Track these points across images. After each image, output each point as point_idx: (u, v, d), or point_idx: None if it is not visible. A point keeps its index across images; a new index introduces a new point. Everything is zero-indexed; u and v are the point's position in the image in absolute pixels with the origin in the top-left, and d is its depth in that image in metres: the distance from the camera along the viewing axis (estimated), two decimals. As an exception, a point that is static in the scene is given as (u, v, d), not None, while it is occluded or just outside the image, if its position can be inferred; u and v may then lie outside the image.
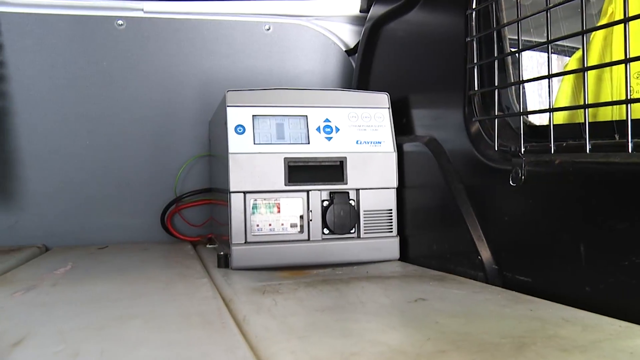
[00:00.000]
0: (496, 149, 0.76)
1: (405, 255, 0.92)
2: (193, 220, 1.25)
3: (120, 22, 1.20)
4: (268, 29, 1.26)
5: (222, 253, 0.87)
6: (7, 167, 1.18)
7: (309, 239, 0.88)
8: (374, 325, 0.54)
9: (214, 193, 1.15)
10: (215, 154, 1.10)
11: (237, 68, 1.25)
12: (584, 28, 0.63)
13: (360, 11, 1.22)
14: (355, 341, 0.48)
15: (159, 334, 0.54)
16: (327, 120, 0.91)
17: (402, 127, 0.97)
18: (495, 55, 0.79)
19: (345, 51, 1.29)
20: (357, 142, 0.91)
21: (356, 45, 1.25)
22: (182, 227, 1.25)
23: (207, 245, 1.15)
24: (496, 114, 0.77)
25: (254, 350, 0.48)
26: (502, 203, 0.74)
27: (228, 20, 1.24)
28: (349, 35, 1.28)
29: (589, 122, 0.62)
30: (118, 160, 1.22)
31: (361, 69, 1.14)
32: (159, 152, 1.24)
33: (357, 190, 0.90)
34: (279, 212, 0.88)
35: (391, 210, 0.92)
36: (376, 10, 1.11)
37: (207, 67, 1.24)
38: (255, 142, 0.87)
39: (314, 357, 0.44)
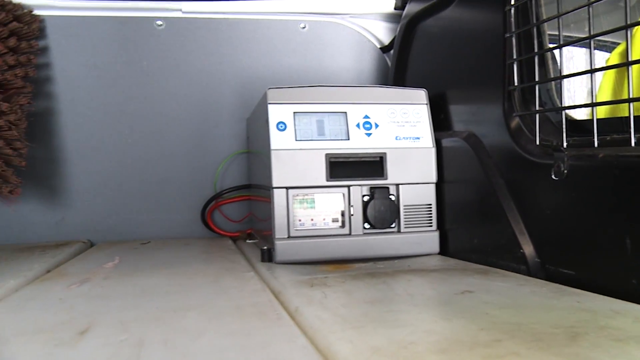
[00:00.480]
0: (537, 143, 0.77)
1: (444, 250, 0.93)
2: (232, 216, 1.28)
3: (159, 22, 1.23)
4: (304, 28, 1.28)
5: (265, 247, 0.89)
6: (54, 165, 1.22)
7: (350, 234, 0.90)
8: (425, 316, 0.56)
9: (253, 189, 1.17)
10: (254, 151, 1.13)
11: (274, 66, 1.27)
12: (628, 22, 0.64)
13: (395, 8, 1.23)
14: (410, 331, 0.50)
15: (216, 324, 0.56)
16: (366, 116, 0.93)
17: (440, 122, 0.98)
18: (535, 50, 0.80)
19: (380, 48, 1.30)
20: (396, 138, 0.93)
21: (391, 43, 1.26)
22: (222, 223, 1.28)
23: (247, 241, 1.17)
24: (537, 108, 0.78)
25: (312, 340, 0.50)
26: (543, 197, 0.75)
27: (264, 19, 1.26)
28: (384, 33, 1.29)
29: (633, 116, 0.63)
30: (159, 157, 1.26)
31: (397, 66, 1.15)
32: (198, 149, 1.27)
33: (397, 185, 0.92)
34: (320, 207, 0.89)
35: (431, 204, 0.93)
36: (412, 8, 1.12)
37: (244, 66, 1.27)
38: (297, 139, 0.89)
39: (373, 347, 0.46)
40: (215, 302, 0.65)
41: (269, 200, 0.91)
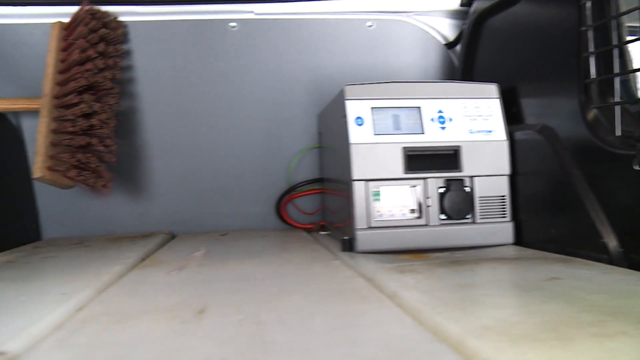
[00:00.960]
0: (618, 134, 0.79)
1: (519, 240, 0.95)
2: (305, 209, 1.33)
3: (232, 24, 1.28)
4: (370, 26, 1.31)
5: (346, 238, 0.93)
6: (136, 161, 1.29)
7: (427, 224, 0.93)
8: (520, 299, 0.59)
9: (326, 182, 1.21)
10: (328, 146, 1.17)
11: (342, 64, 1.31)
12: None
13: (461, 5, 1.25)
14: (512, 312, 0.53)
15: (323, 306, 0.60)
16: (440, 111, 0.96)
17: (512, 116, 1.00)
18: (613, 42, 0.81)
19: (445, 45, 1.32)
20: (469, 132, 0.95)
21: (456, 39, 1.28)
22: (295, 215, 1.33)
23: (320, 232, 1.22)
24: (616, 100, 0.80)
25: (419, 321, 0.53)
26: (625, 187, 0.76)
27: (332, 18, 1.30)
28: (448, 29, 1.31)
29: None
30: (234, 152, 1.32)
31: (465, 62, 1.17)
32: (271, 145, 1.32)
33: (472, 177, 0.94)
34: (398, 198, 0.93)
35: (505, 196, 0.95)
36: (480, 4, 1.14)
37: (314, 64, 1.31)
38: (375, 133, 0.92)
39: (482, 325, 0.49)
40: (313, 287, 0.69)
41: (345, 193, 0.95)
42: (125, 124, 1.26)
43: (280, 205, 1.30)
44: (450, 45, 1.31)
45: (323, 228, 1.25)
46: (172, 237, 1.25)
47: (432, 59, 1.33)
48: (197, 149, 1.30)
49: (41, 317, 0.57)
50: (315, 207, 1.32)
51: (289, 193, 1.30)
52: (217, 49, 1.28)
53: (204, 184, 1.31)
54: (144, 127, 1.28)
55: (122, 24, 1.23)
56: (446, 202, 0.93)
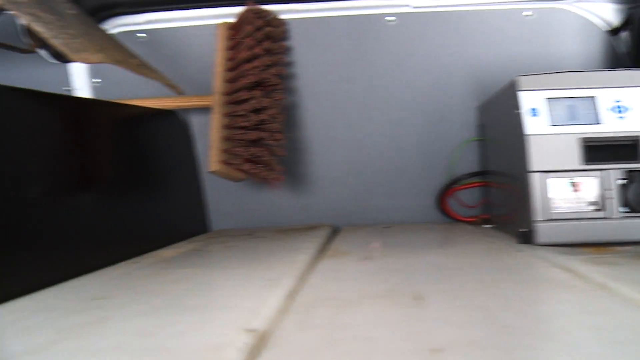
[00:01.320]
0: None
1: None
2: (466, 202, 1.32)
3: (389, 18, 1.30)
4: (528, 15, 1.29)
5: (524, 230, 0.93)
6: (298, 154, 1.35)
7: (608, 217, 0.90)
8: None
9: (489, 175, 1.21)
10: (493, 138, 1.16)
11: (501, 54, 1.30)
12: None
13: (630, -12, 1.20)
14: None
15: (536, 294, 0.60)
16: (617, 100, 0.93)
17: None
18: None
19: (608, 31, 1.27)
20: (651, 121, 0.92)
21: (622, 25, 1.23)
22: (455, 208, 1.33)
23: (483, 226, 1.21)
24: None
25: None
26: None
27: (490, 9, 1.29)
28: (611, 15, 1.26)
29: None
30: (394, 146, 1.34)
31: (638, 48, 1.12)
32: (429, 138, 1.33)
33: (655, 169, 0.91)
34: (576, 190, 0.91)
35: (693, 188, 0.91)
36: (654, -13, 1.09)
37: (472, 55, 1.31)
38: (551, 124, 0.91)
39: None
40: (515, 276, 0.69)
41: (517, 185, 0.94)
42: (287, 118, 1.31)
43: (442, 198, 1.31)
44: (614, 31, 1.26)
45: (487, 221, 1.24)
46: (335, 229, 1.29)
47: (593, 46, 1.28)
48: (357, 142, 1.34)
49: (263, 300, 0.60)
50: (476, 199, 1.31)
51: (451, 186, 1.31)
52: (375, 44, 1.31)
53: (363, 177, 1.34)
54: (304, 121, 1.34)
55: (283, 22, 1.30)
56: (629, 194, 0.90)
